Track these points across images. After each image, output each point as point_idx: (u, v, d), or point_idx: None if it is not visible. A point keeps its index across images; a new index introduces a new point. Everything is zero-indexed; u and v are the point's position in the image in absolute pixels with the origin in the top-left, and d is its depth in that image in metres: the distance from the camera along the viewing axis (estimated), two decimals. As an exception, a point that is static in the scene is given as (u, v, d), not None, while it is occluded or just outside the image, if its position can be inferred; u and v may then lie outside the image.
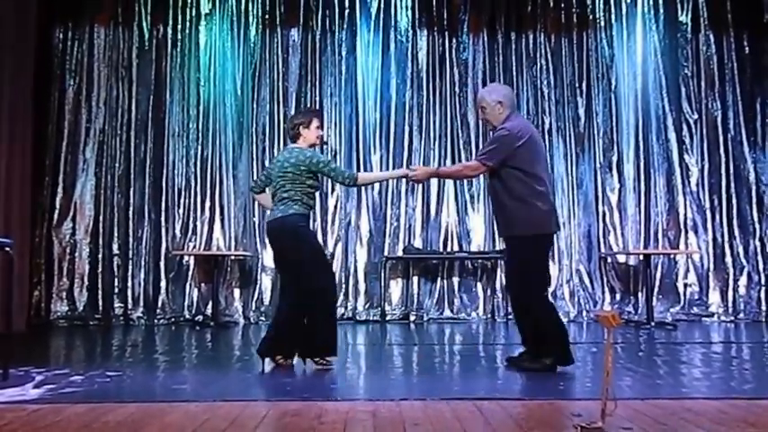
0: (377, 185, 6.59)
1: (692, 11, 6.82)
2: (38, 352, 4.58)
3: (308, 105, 6.68)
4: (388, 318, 6.40)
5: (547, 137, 6.70)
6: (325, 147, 6.64)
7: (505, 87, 3.95)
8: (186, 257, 6.45)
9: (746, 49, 6.79)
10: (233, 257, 6.49)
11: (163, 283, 6.40)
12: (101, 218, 6.41)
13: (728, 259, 6.56)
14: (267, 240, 3.95)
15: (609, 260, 6.64)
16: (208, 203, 6.54)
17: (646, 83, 6.77)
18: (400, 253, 6.50)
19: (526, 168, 3.45)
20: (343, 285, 6.49)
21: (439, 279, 6.55)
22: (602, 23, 6.83)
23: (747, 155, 6.70)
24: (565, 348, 3.50)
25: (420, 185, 6.60)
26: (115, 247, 6.39)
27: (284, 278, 3.91)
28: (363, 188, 6.58)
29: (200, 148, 6.57)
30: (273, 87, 6.68)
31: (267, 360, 3.69)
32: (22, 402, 2.77)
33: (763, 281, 6.51)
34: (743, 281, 6.53)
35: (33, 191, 6.22)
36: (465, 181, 6.58)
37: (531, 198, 3.45)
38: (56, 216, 6.36)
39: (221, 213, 6.54)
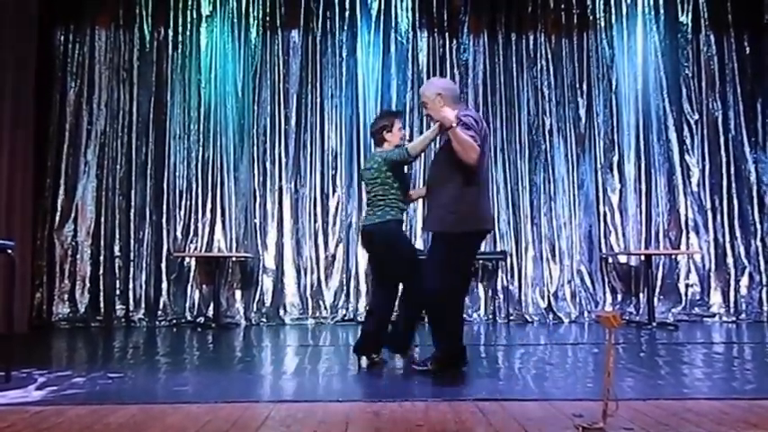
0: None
1: (692, 11, 6.82)
2: (40, 354, 4.58)
3: (309, 107, 6.69)
4: (389, 319, 6.39)
5: (548, 137, 6.71)
6: (325, 148, 6.67)
7: (445, 80, 3.85)
8: (187, 259, 6.46)
9: (747, 49, 6.80)
10: (234, 259, 6.50)
11: (164, 285, 6.41)
12: (102, 219, 6.42)
13: (730, 259, 6.56)
14: (361, 243, 3.97)
15: (610, 260, 6.64)
16: (209, 205, 6.54)
17: (646, 83, 6.77)
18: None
19: (479, 164, 3.33)
20: (345, 286, 6.50)
21: (440, 280, 6.54)
22: (603, 24, 6.83)
23: (748, 155, 6.70)
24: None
25: (420, 188, 6.60)
26: (116, 248, 6.41)
27: (381, 280, 3.89)
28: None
29: (201, 149, 6.58)
30: (274, 89, 6.69)
31: (363, 358, 3.82)
32: (25, 404, 2.77)
33: (764, 281, 6.51)
34: (744, 281, 6.53)
35: (35, 193, 6.23)
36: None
37: (477, 195, 3.36)
38: (57, 218, 6.37)
39: (222, 215, 6.55)
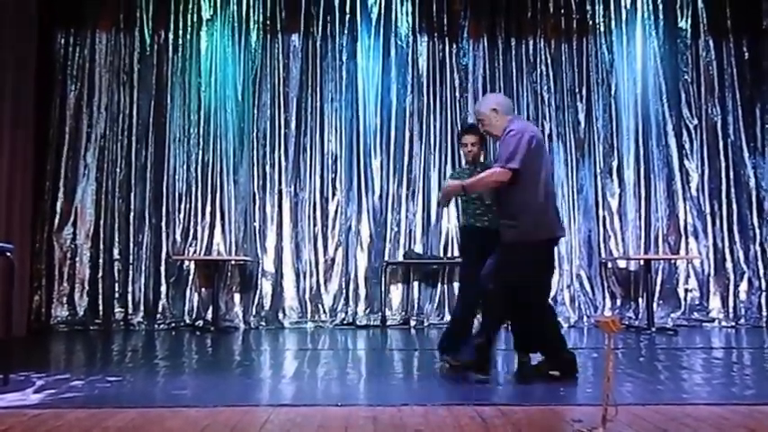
0: (377, 190, 6.62)
1: (691, 17, 6.84)
2: (38, 357, 4.58)
3: (309, 110, 6.69)
4: (388, 323, 6.40)
5: (547, 142, 6.70)
6: (325, 151, 6.67)
7: (498, 95, 3.91)
8: (187, 262, 6.45)
9: (746, 54, 6.82)
10: (233, 262, 6.50)
11: (163, 288, 6.40)
12: (101, 223, 6.41)
13: (729, 264, 6.56)
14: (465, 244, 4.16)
15: (609, 265, 6.64)
16: (208, 208, 6.54)
17: (646, 88, 6.78)
18: (401, 258, 6.50)
19: (534, 172, 3.38)
20: (344, 290, 6.50)
21: (439, 284, 6.55)
22: (602, 29, 6.85)
23: (747, 160, 6.71)
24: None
25: (420, 191, 6.63)
26: (116, 251, 6.40)
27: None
28: (363, 193, 6.61)
29: (200, 153, 6.58)
30: (274, 93, 6.70)
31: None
32: (23, 407, 2.77)
33: (763, 286, 6.51)
34: (743, 286, 6.53)
35: (34, 195, 6.23)
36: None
37: (539, 203, 3.39)
38: (56, 221, 6.37)
39: (222, 218, 6.54)
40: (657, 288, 6.47)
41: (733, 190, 6.66)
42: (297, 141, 6.67)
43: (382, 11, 6.80)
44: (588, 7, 6.86)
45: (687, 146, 6.75)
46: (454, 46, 6.83)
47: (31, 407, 2.78)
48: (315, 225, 6.58)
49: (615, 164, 6.73)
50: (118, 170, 6.50)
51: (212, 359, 4.51)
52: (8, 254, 3.37)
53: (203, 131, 6.60)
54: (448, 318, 6.44)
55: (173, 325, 6.31)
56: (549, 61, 6.82)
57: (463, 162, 4.64)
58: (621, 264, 6.63)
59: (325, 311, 6.46)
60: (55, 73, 6.52)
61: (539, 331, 3.59)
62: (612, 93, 6.79)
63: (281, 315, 6.43)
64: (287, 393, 3.21)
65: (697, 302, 6.52)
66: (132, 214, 6.45)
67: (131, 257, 6.39)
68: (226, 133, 6.62)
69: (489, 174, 3.43)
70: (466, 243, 4.18)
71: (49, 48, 6.50)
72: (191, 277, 6.45)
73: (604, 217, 6.68)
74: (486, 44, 6.82)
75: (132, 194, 6.47)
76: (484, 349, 3.41)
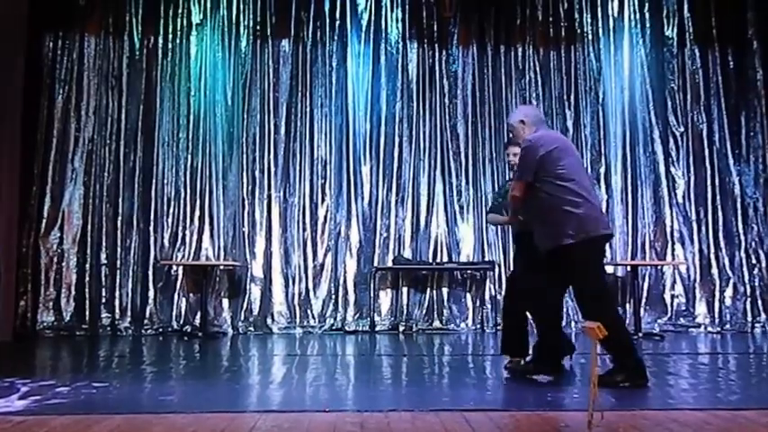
0: (366, 196, 6.64)
1: (678, 26, 6.92)
2: (23, 362, 4.54)
3: (299, 116, 6.69)
4: (377, 328, 6.39)
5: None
6: (314, 157, 6.67)
7: (528, 107, 4.08)
8: (175, 267, 6.41)
9: (731, 63, 6.91)
10: (222, 267, 6.47)
11: (151, 293, 6.35)
12: (89, 227, 6.36)
13: (715, 270, 6.62)
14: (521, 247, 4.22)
15: (597, 271, 6.67)
16: (197, 213, 6.51)
17: (633, 96, 6.85)
18: (390, 263, 6.51)
19: (557, 177, 3.45)
20: (333, 296, 6.49)
21: (428, 290, 6.55)
22: (590, 37, 6.91)
23: (732, 167, 6.79)
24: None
25: (409, 197, 6.64)
26: (103, 256, 6.35)
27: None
28: (353, 199, 6.61)
29: (189, 157, 6.56)
30: (264, 98, 6.69)
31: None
32: (7, 414, 2.74)
33: (748, 292, 6.57)
34: (729, 292, 6.59)
35: (21, 199, 6.17)
36: (454, 191, 6.64)
37: (569, 206, 3.41)
38: (43, 225, 6.31)
39: (210, 223, 6.52)
40: (644, 294, 6.52)
41: (718, 197, 6.73)
42: (286, 147, 6.67)
43: (372, 17, 6.82)
44: (576, 16, 6.93)
45: (673, 153, 6.82)
46: (444, 53, 6.87)
47: (15, 413, 2.75)
48: (304, 230, 6.57)
49: (602, 170, 6.78)
50: (106, 174, 6.46)
51: (200, 365, 4.49)
52: (-7, 258, 3.35)
53: (192, 136, 6.58)
54: (437, 324, 6.46)
55: (160, 330, 6.26)
56: (537, 68, 6.87)
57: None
58: (609, 269, 6.67)
59: (313, 317, 6.45)
60: (43, 76, 6.47)
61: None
62: (600, 100, 6.85)
63: (269, 320, 6.41)
64: (274, 399, 3.20)
65: (683, 308, 6.57)
66: (120, 219, 6.41)
67: (119, 262, 6.35)
68: (215, 138, 6.61)
69: (511, 195, 3.65)
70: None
71: (37, 51, 6.45)
72: (179, 282, 6.41)
73: (592, 223, 6.71)
74: (475, 51, 6.86)
75: (120, 199, 6.43)
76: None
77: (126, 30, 6.61)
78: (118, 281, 6.32)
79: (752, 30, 6.91)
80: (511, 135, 3.91)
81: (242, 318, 6.39)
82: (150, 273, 6.37)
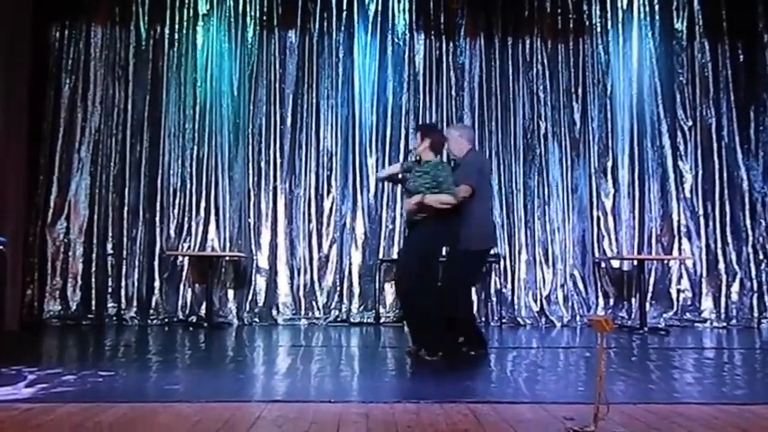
0: (371, 188, 6.63)
1: (687, 18, 6.86)
2: (30, 351, 4.56)
3: (305, 107, 6.68)
4: (382, 320, 6.40)
5: (542, 142, 6.73)
6: (320, 148, 6.66)
7: (467, 128, 5.23)
8: (180, 258, 6.43)
9: (741, 57, 6.84)
10: (227, 258, 6.48)
11: (156, 284, 6.38)
12: (95, 217, 6.38)
13: (721, 266, 6.59)
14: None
15: (603, 265, 6.66)
16: (203, 204, 6.52)
17: (641, 89, 6.80)
18: (395, 256, 6.49)
19: (482, 193, 4.32)
20: (338, 287, 6.49)
21: (433, 282, 6.54)
22: (599, 30, 6.86)
23: (741, 162, 6.73)
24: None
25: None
26: (109, 246, 6.37)
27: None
28: (358, 191, 6.61)
29: (195, 148, 6.56)
30: (270, 89, 6.68)
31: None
32: (14, 401, 2.76)
33: (755, 287, 6.54)
34: (735, 287, 6.56)
35: (27, 189, 6.19)
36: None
37: (484, 217, 4.39)
38: (50, 215, 6.33)
39: (216, 214, 6.52)
40: (650, 288, 6.50)
41: (726, 191, 6.69)
42: (292, 138, 6.66)
43: (379, 8, 6.78)
44: (585, 8, 6.87)
45: (681, 147, 6.77)
46: (451, 44, 6.83)
47: (22, 401, 2.77)
48: (309, 222, 6.57)
49: (610, 164, 6.74)
50: (112, 164, 6.47)
51: (205, 355, 4.51)
52: (1, 247, 3.36)
53: (198, 127, 6.58)
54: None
55: (166, 320, 6.29)
56: (545, 61, 6.83)
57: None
58: (615, 264, 6.66)
59: (318, 308, 6.46)
60: (49, 67, 6.48)
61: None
62: (608, 93, 6.80)
63: (274, 311, 6.42)
64: (279, 389, 3.21)
65: (689, 303, 6.55)
66: (126, 209, 6.42)
67: (125, 252, 6.37)
68: (221, 129, 6.60)
69: (462, 191, 4.32)
70: None
71: (43, 41, 6.45)
72: (184, 273, 6.43)
73: (598, 217, 6.69)
74: (482, 43, 6.82)
75: (126, 189, 6.44)
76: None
77: (132, 20, 6.60)
78: (124, 271, 6.34)
79: (762, 23, 6.83)
80: (439, 140, 4.41)
81: (247, 308, 6.41)
82: (156, 263, 6.39)
